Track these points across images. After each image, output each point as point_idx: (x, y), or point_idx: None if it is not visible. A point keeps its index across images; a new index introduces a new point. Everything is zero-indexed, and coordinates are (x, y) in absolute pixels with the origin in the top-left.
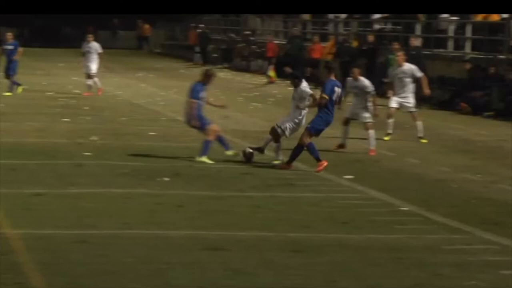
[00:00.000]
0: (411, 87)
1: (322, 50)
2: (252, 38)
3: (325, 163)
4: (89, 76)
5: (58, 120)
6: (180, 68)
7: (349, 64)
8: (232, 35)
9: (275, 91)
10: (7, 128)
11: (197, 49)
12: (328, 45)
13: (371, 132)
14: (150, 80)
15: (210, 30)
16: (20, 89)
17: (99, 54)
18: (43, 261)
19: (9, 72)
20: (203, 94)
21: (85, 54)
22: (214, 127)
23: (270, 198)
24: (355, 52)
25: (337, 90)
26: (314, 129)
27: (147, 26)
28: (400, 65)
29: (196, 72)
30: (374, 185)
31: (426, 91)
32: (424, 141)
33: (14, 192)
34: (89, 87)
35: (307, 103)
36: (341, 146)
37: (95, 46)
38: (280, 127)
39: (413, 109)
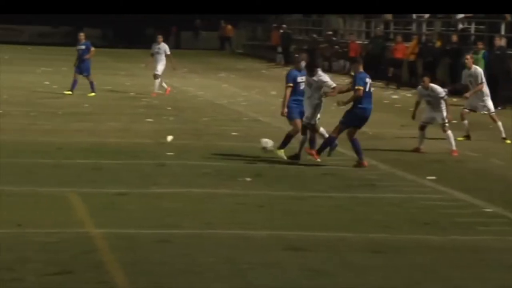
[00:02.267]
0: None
1: (405, 50)
2: (334, 39)
3: (316, 155)
4: (155, 76)
5: (141, 121)
6: (261, 68)
7: (432, 64)
8: (314, 35)
9: None
10: (91, 128)
11: (279, 49)
12: (411, 45)
13: (449, 133)
14: (232, 81)
15: (292, 30)
16: (92, 93)
17: (167, 55)
18: (126, 260)
19: (83, 72)
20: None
21: (154, 55)
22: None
23: (351, 198)
24: (438, 52)
25: (368, 81)
26: (345, 125)
27: (229, 27)
28: (469, 68)
29: (278, 72)
30: (457, 186)
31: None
32: (508, 141)
33: (97, 192)
34: (159, 86)
35: (326, 90)
36: (417, 149)
37: (164, 47)
38: (309, 122)
39: (488, 111)
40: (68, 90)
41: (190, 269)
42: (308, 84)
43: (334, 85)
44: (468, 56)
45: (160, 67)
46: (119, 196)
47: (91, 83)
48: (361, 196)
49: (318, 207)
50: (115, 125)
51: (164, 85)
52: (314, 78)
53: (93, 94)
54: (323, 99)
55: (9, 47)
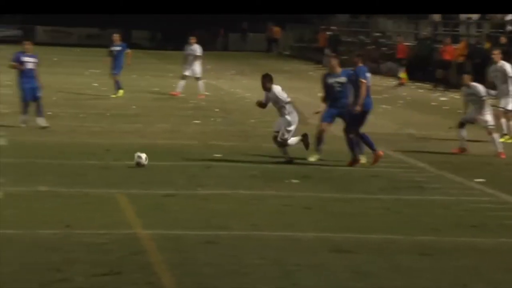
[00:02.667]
0: (504, 86)
1: (453, 52)
2: (382, 40)
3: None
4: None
5: (189, 122)
6: (309, 70)
7: (481, 66)
8: (362, 37)
9: (405, 93)
10: (139, 129)
11: (327, 51)
12: (460, 46)
13: (495, 136)
14: (279, 82)
15: (340, 32)
16: (121, 93)
17: (199, 56)
18: (173, 261)
19: (113, 70)
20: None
21: (187, 57)
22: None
23: (399, 200)
24: (487, 54)
25: (369, 75)
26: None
27: (276, 29)
28: (496, 62)
29: None
30: (506, 188)
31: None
32: None
33: (145, 193)
34: (203, 88)
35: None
36: (463, 150)
37: (196, 48)
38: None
39: (503, 109)
40: (115, 93)
41: (236, 270)
42: None
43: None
44: (496, 52)
45: (198, 69)
46: (166, 197)
47: (117, 82)
48: (409, 198)
49: (365, 209)
50: (163, 127)
51: (201, 89)
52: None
53: (121, 91)
54: None
55: (58, 49)
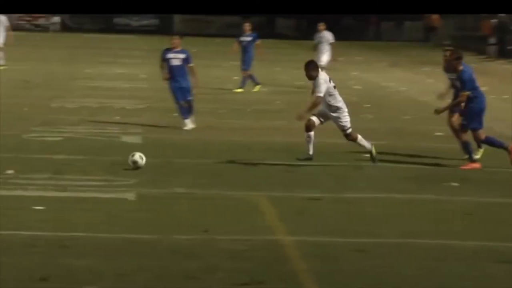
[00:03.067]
0: None
1: None
2: None
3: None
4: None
5: None
6: (471, 61)
7: None
8: None
9: None
10: (283, 126)
11: (492, 40)
12: None
13: None
14: (438, 75)
15: (510, 20)
16: (257, 88)
17: (331, 44)
18: (319, 271)
19: (243, 65)
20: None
21: (317, 46)
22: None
23: None
24: None
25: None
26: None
27: (435, 16)
28: None
29: (490, 66)
30: None
31: None
32: None
33: (289, 196)
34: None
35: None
36: None
37: (326, 36)
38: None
39: None
40: (255, 86)
41: (389, 282)
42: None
43: None
44: None
45: (324, 57)
46: (312, 201)
47: (245, 79)
48: None
49: None
50: None
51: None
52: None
53: (240, 90)
54: None
55: (197, 40)
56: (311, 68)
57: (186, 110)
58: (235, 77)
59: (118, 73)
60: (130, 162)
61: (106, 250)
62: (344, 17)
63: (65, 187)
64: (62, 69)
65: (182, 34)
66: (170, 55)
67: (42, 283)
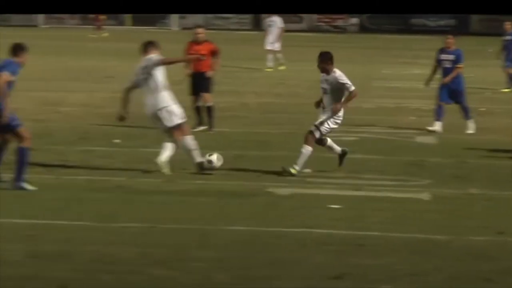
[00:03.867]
0: None
1: None
2: None
3: None
4: None
5: None
6: None
7: None
8: None
9: None
10: None
11: None
12: None
13: None
14: None
15: None
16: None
17: None
18: None
19: (506, 63)
20: None
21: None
22: None
23: None
24: None
25: None
26: None
27: None
28: None
29: None
30: None
31: None
32: None
33: None
34: None
35: None
36: None
37: None
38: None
39: None
40: (506, 88)
41: None
42: None
43: None
44: None
45: None
46: None
47: (511, 77)
48: None
49: None
50: None
51: None
52: None
53: (508, 90)
54: None
55: (493, 40)
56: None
57: (463, 112)
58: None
59: (415, 73)
60: (205, 161)
61: (399, 250)
62: None
63: (361, 186)
64: (359, 70)
65: (456, 33)
66: (442, 56)
67: (336, 281)
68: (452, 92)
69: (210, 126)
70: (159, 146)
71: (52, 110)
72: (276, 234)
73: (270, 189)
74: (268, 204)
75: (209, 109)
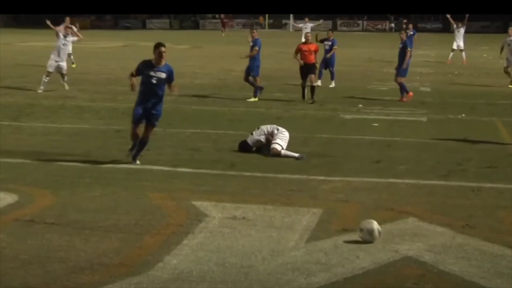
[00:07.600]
0: None
1: None
2: None
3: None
4: None
5: None
6: None
7: None
8: None
9: None
10: None
11: None
12: None
13: None
14: None
15: None
16: None
17: None
18: None
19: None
20: None
21: None
22: None
23: None
24: None
25: None
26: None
27: None
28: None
29: None
30: None
31: None
32: None
33: None
34: None
35: None
36: None
37: None
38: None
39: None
40: None
41: None
42: None
43: None
44: None
45: None
46: None
47: None
48: None
49: None
50: None
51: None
52: None
53: None
54: None
55: None
56: None
57: None
58: None
59: None
60: (365, 230)
61: (413, 147)
62: None
63: (389, 114)
64: None
65: None
66: None
67: (377, 164)
68: None
69: (312, 98)
70: None
71: None
72: (344, 139)
73: (341, 115)
74: (340, 123)
75: (313, 88)
